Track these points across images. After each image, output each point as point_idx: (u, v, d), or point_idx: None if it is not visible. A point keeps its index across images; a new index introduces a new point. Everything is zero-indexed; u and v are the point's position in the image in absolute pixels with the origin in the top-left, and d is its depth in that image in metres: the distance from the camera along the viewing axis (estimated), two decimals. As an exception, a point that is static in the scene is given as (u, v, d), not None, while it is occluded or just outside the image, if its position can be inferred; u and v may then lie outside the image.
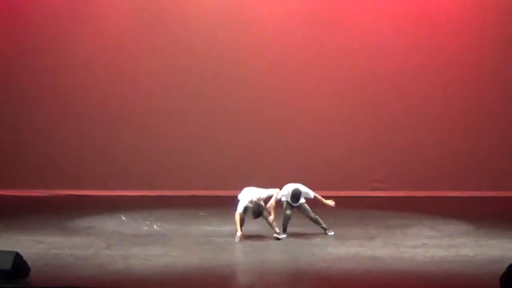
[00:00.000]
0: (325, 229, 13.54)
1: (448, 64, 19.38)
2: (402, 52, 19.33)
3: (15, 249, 10.58)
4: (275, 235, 13.10)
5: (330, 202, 13.37)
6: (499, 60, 19.35)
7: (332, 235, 13.44)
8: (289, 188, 13.26)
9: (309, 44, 19.38)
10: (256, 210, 12.76)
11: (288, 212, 13.29)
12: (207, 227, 13.89)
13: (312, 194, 13.41)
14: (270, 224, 13.15)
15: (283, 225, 13.27)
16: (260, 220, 13.34)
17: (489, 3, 19.31)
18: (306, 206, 13.40)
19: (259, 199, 12.93)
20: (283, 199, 13.28)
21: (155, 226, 14.56)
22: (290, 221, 13.35)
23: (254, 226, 14.13)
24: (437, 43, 19.33)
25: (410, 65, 19.37)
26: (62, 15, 19.43)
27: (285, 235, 13.24)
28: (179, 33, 19.37)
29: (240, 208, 12.84)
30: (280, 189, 13.21)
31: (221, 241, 13.09)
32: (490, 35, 19.31)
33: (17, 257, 10.13)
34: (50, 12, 19.46)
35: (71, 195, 18.86)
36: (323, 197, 13.42)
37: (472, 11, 19.31)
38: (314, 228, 14.35)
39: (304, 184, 13.44)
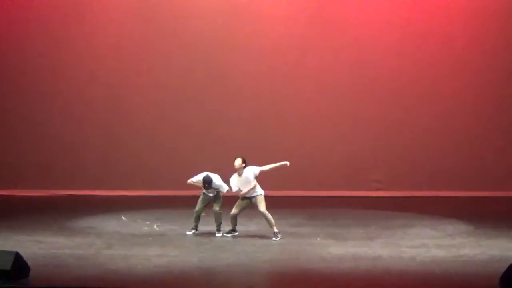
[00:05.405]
0: (217, 229, 13.61)
1: (448, 65, 19.37)
2: (403, 53, 19.33)
3: (15, 249, 10.58)
4: (274, 238, 13.17)
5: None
6: (500, 61, 19.34)
7: (220, 235, 13.46)
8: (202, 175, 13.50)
9: (310, 45, 19.38)
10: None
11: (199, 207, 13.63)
12: (207, 227, 13.89)
13: (225, 189, 13.52)
14: (269, 223, 13.20)
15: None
16: (260, 220, 13.42)
17: (490, 5, 19.29)
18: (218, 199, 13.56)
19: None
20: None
21: (155, 226, 14.57)
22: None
23: (254, 226, 14.17)
24: (438, 44, 19.32)
25: (411, 66, 19.36)
26: (64, 16, 19.43)
27: (194, 231, 13.63)
28: (179, 34, 19.37)
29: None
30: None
31: (221, 241, 13.10)
32: (492, 36, 19.31)
33: (17, 257, 10.13)
34: (51, 14, 19.46)
35: (71, 195, 18.86)
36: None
37: (473, 12, 19.30)
38: (314, 228, 14.38)
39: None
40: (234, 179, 13.31)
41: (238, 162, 13.21)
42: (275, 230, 13.19)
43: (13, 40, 19.51)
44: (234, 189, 13.33)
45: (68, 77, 19.52)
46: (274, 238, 13.13)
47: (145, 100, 19.48)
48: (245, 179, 13.20)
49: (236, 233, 13.51)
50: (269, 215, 13.21)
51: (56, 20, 19.44)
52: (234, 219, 13.43)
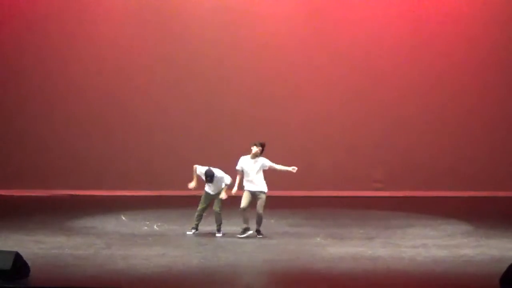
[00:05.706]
0: (217, 230, 13.60)
1: (449, 65, 19.37)
2: (403, 52, 19.32)
3: (15, 249, 10.58)
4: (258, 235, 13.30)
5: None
6: (500, 60, 19.34)
7: (220, 236, 13.45)
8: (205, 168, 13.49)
9: (310, 45, 19.38)
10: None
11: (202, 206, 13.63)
12: (207, 227, 13.89)
13: (228, 180, 13.46)
14: (258, 221, 13.25)
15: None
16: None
17: (489, 5, 19.29)
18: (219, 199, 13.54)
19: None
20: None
21: (155, 226, 14.57)
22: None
23: (253, 226, 14.14)
24: (439, 44, 19.31)
25: (411, 66, 19.36)
26: (64, 16, 19.43)
27: (194, 231, 13.61)
28: (179, 34, 19.37)
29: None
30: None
31: (221, 241, 13.11)
32: (492, 36, 19.30)
33: (17, 257, 10.13)
34: (51, 14, 19.45)
35: (71, 195, 18.86)
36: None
37: (474, 12, 19.30)
38: (314, 228, 14.38)
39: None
40: (245, 159, 13.35)
41: (257, 149, 13.36)
42: (260, 229, 13.30)
43: (13, 40, 19.49)
44: (238, 167, 13.33)
45: (68, 77, 19.51)
46: (258, 236, 13.27)
47: (145, 100, 19.48)
48: (252, 164, 13.26)
49: (250, 232, 13.32)
50: (262, 216, 13.27)
51: (56, 20, 19.42)
52: (245, 213, 13.31)
